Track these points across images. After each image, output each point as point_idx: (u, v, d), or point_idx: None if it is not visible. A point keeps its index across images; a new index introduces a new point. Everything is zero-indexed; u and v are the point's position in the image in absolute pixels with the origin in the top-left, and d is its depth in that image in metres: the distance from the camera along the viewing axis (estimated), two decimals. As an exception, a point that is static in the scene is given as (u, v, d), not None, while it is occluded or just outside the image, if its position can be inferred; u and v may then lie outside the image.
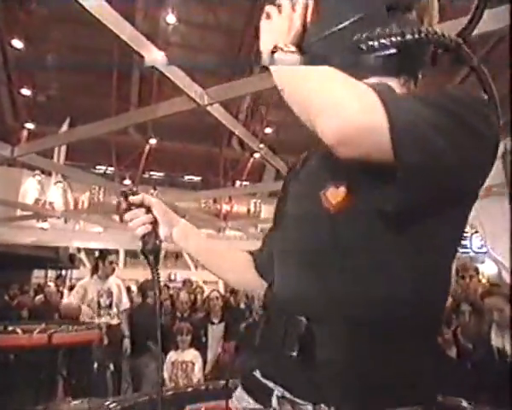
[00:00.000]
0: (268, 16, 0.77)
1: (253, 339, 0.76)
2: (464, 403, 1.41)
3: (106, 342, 3.72)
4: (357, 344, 0.64)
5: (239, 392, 0.78)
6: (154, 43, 1.95)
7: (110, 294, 4.09)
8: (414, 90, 0.73)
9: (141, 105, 12.25)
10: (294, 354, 0.64)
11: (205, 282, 12.71)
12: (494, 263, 4.25)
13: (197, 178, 16.08)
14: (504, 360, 2.59)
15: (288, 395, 0.67)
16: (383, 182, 0.57)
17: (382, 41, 0.65)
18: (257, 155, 14.86)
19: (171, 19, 10.54)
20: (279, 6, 0.76)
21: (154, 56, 2.12)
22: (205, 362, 3.88)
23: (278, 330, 0.69)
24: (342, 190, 0.66)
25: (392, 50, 0.66)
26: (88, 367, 3.58)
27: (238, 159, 15.97)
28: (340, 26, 0.70)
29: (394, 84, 0.71)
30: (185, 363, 3.61)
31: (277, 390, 0.68)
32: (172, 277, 13.80)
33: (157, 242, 0.86)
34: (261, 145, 3.86)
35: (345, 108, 0.54)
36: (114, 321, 4.02)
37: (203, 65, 9.35)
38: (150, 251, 0.85)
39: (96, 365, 3.60)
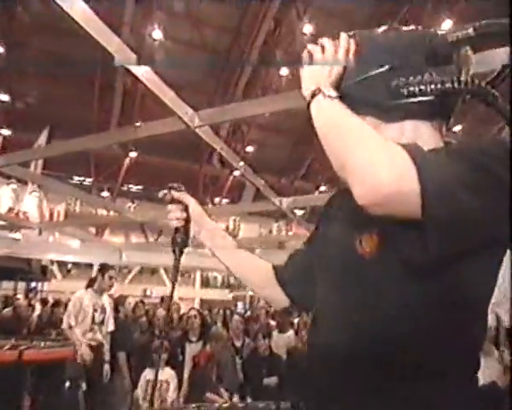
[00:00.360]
0: (310, 54, 0.79)
1: (296, 376, 0.83)
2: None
3: (79, 359, 3.60)
4: (386, 389, 0.67)
5: None
6: (140, 57, 1.96)
7: (104, 310, 3.87)
8: (445, 137, 0.76)
9: (123, 117, 12.20)
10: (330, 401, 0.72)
11: (181, 299, 12.53)
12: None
13: (176, 194, 16.01)
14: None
15: None
16: (413, 234, 0.60)
17: (422, 87, 0.68)
18: (237, 173, 14.96)
19: (157, 34, 10.63)
20: (322, 46, 0.79)
21: (140, 69, 2.12)
22: (181, 381, 3.81)
23: (316, 373, 0.77)
24: (375, 238, 0.70)
25: (431, 96, 0.69)
26: (59, 385, 3.45)
27: (218, 176, 16.01)
28: (381, 70, 0.72)
29: (428, 127, 0.75)
30: (160, 382, 3.54)
31: None
32: (148, 292, 13.55)
33: (185, 237, 0.96)
34: (241, 163, 3.90)
35: (378, 172, 0.57)
36: (104, 341, 3.82)
37: (188, 80, 9.43)
38: (178, 243, 0.96)
39: (68, 383, 3.48)
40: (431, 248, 0.59)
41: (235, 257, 1.04)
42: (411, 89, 0.69)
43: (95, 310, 3.76)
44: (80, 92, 11.15)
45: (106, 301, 3.96)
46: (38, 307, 7.27)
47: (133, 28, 10.15)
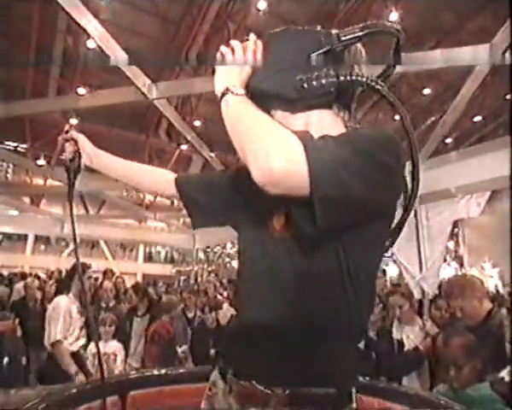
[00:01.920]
0: (222, 56, 0.88)
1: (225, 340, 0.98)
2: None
3: (19, 333, 3.49)
4: (291, 345, 0.80)
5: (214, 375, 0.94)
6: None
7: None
8: (348, 122, 0.89)
9: (62, 81, 11.39)
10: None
11: (122, 273, 12.29)
12: (398, 265, 4.80)
13: (120, 165, 15.34)
14: (402, 351, 3.00)
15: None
16: (305, 210, 0.69)
17: (320, 81, 0.80)
18: (184, 147, 14.68)
19: (103, -6, 9.94)
20: (232, 48, 0.88)
21: (95, 29, 2.01)
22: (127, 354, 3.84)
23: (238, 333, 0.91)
24: (283, 217, 0.83)
25: (329, 89, 0.82)
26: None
27: (164, 149, 15.61)
28: (284, 67, 0.83)
29: (330, 115, 0.87)
30: (107, 355, 3.53)
31: (230, 373, 0.86)
32: (88, 266, 13.06)
33: (77, 166, 1.19)
34: (190, 136, 3.90)
35: (270, 156, 0.66)
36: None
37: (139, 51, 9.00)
38: (72, 171, 1.18)
39: (6, 359, 3.36)
40: (318, 222, 0.68)
41: (125, 166, 1.22)
42: (312, 83, 0.81)
43: (81, 317, 3.19)
44: (15, 49, 10.20)
45: None
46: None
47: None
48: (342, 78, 0.80)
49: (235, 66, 0.85)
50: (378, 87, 0.81)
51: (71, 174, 1.19)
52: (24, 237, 14.14)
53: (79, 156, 1.18)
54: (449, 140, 12.71)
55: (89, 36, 2.01)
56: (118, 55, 2.22)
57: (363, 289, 0.80)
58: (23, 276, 7.06)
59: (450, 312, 3.02)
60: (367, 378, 1.54)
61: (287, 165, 0.65)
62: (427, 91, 12.28)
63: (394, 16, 9.87)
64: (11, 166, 11.61)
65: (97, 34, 2.06)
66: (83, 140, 1.20)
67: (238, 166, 1.06)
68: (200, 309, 4.57)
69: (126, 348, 3.75)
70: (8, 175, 11.42)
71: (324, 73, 0.80)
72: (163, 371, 1.67)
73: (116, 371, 3.50)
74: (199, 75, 9.94)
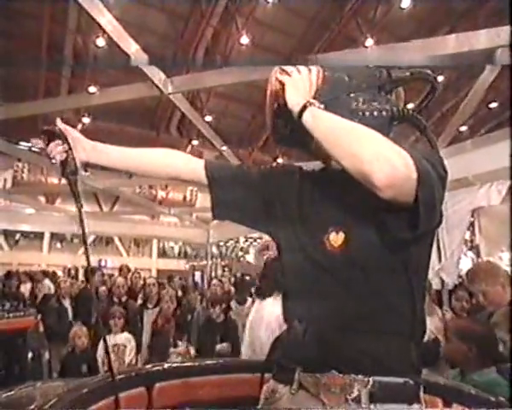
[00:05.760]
0: (286, 73, 0.93)
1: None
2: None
3: (42, 329, 3.55)
4: (361, 344, 0.85)
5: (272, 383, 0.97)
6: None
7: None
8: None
9: (74, 79, 11.49)
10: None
11: (136, 269, 12.40)
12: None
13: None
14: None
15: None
16: (401, 217, 0.77)
17: (374, 112, 0.90)
18: (195, 143, 14.70)
19: (110, -8, 9.96)
20: (297, 69, 0.94)
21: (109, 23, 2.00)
22: (139, 346, 3.89)
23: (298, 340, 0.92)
24: (341, 235, 0.87)
25: (381, 119, 0.90)
26: (21, 356, 3.39)
27: (175, 145, 15.68)
28: (346, 93, 0.92)
29: None
30: (117, 346, 3.59)
31: (298, 370, 0.89)
32: (102, 263, 13.24)
33: (74, 166, 0.97)
34: (205, 130, 3.89)
35: (394, 160, 0.72)
36: None
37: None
38: (69, 173, 0.98)
39: (30, 354, 3.43)
40: (420, 226, 0.76)
41: (133, 156, 1.05)
42: (367, 112, 0.90)
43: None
44: (26, 49, 10.31)
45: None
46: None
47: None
48: (396, 113, 0.90)
49: (305, 84, 0.92)
50: (424, 124, 0.91)
51: (69, 177, 0.98)
52: (40, 236, 14.40)
53: (72, 155, 0.97)
54: (463, 128, 12.49)
55: (104, 32, 2.01)
56: (132, 51, 2.22)
57: (421, 292, 0.88)
58: (45, 273, 7.20)
59: (472, 302, 2.97)
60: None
61: (405, 169, 0.72)
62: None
63: (406, 2, 9.69)
64: (26, 165, 11.80)
65: (111, 29, 2.05)
66: (74, 136, 0.99)
67: (273, 169, 1.12)
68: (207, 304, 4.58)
69: (138, 341, 3.80)
70: (24, 175, 11.60)
71: (379, 105, 0.90)
72: (189, 363, 1.68)
73: (127, 361, 3.54)
74: (208, 69, 9.94)
